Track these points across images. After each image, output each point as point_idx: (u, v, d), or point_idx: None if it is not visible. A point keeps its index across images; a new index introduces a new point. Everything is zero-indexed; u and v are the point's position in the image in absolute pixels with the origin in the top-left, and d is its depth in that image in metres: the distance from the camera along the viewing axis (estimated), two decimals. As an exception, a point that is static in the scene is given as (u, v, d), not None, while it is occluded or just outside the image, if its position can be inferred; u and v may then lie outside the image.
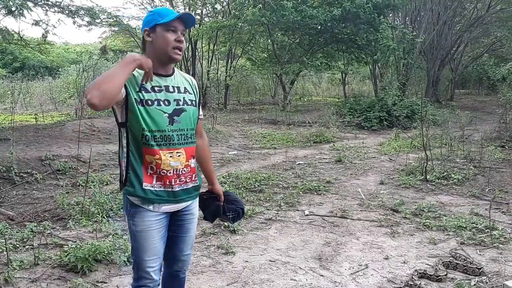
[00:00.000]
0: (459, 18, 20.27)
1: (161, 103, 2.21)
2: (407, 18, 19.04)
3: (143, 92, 2.18)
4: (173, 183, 2.24)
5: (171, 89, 2.27)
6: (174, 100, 2.25)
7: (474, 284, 3.43)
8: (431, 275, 3.54)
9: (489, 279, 3.51)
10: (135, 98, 2.15)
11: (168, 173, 2.22)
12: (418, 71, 20.98)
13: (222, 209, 2.58)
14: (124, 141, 2.23)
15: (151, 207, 2.23)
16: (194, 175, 2.36)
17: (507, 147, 9.12)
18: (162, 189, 2.23)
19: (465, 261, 3.77)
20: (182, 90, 2.32)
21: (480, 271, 3.60)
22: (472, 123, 12.58)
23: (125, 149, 2.23)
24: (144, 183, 2.20)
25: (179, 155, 2.25)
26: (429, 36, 17.74)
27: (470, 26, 19.49)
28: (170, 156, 2.22)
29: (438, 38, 18.88)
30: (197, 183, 2.39)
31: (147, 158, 2.20)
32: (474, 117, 13.23)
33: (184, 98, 2.30)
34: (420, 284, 3.41)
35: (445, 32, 19.08)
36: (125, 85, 2.10)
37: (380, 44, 15.14)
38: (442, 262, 3.78)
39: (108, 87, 1.95)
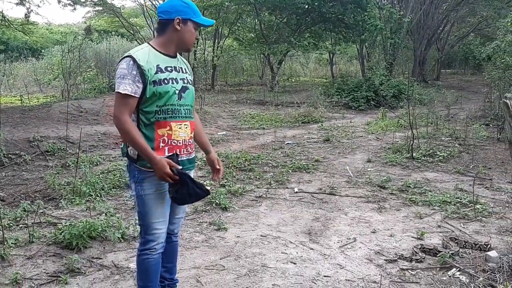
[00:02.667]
0: (446, -3, 20.32)
1: (173, 81, 2.46)
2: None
3: (159, 73, 2.41)
4: (181, 153, 2.49)
5: (178, 69, 2.54)
6: (181, 79, 2.52)
7: (458, 255, 3.56)
8: (430, 248, 3.64)
9: (472, 250, 3.66)
10: (153, 81, 2.38)
11: (178, 143, 2.48)
12: (405, 51, 21.07)
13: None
14: (134, 122, 2.42)
15: None
16: (193, 146, 2.62)
17: (491, 125, 9.31)
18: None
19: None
20: (184, 70, 2.58)
21: (488, 247, 3.67)
22: (458, 102, 12.77)
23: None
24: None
25: (186, 127, 2.52)
26: (416, 15, 17.77)
27: (456, 6, 19.56)
28: (179, 128, 2.48)
29: (424, 17, 18.93)
30: (194, 154, 2.65)
31: (159, 132, 2.42)
32: (459, 96, 13.42)
33: (187, 77, 2.57)
34: (423, 257, 3.53)
35: (432, 11, 19.12)
36: (142, 80, 2.35)
37: (367, 24, 15.16)
38: (450, 238, 3.83)
39: (126, 139, 2.39)
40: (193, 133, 2.60)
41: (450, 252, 3.56)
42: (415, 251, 3.63)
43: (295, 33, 17.99)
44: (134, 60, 2.34)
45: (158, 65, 2.41)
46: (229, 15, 18.16)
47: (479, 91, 15.00)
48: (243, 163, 6.46)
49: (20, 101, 11.44)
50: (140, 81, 2.34)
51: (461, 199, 4.87)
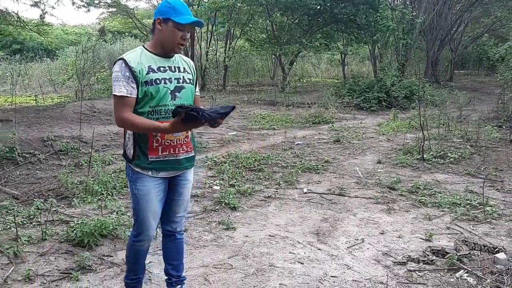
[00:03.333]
0: (459, -3, 20.15)
1: (166, 81, 2.52)
2: (407, -2, 18.91)
3: (151, 73, 2.47)
4: (177, 152, 2.58)
5: (173, 68, 2.58)
6: (175, 78, 2.56)
7: (466, 257, 3.55)
8: (438, 250, 3.64)
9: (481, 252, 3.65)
10: (145, 82, 2.44)
11: (172, 143, 2.54)
12: (418, 51, 20.92)
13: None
14: None
15: (149, 173, 2.55)
16: (192, 146, 2.68)
17: (504, 127, 9.21)
18: (169, 157, 2.56)
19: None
20: (181, 69, 2.62)
21: (495, 250, 3.62)
22: (470, 103, 12.65)
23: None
24: (149, 156, 2.52)
25: None
26: (429, 16, 17.64)
27: (470, 6, 19.38)
28: None
29: (438, 18, 18.78)
30: (194, 153, 2.72)
31: (152, 133, 2.48)
32: (472, 97, 13.28)
33: (183, 77, 2.61)
34: (433, 259, 3.53)
35: (445, 12, 18.96)
36: (135, 81, 2.43)
37: (379, 25, 15.09)
38: (462, 241, 3.81)
39: (138, 130, 2.47)
40: (190, 132, 2.63)
41: (461, 254, 3.55)
42: (426, 253, 3.63)
43: (307, 34, 17.98)
44: (126, 63, 2.43)
45: (150, 65, 2.48)
46: (241, 16, 18.21)
47: (492, 93, 14.81)
48: (252, 163, 6.50)
49: (35, 101, 11.63)
50: (134, 81, 2.42)
51: (471, 201, 4.85)
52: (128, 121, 2.42)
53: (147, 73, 2.45)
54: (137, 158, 2.53)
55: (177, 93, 2.54)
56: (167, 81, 2.50)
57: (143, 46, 2.58)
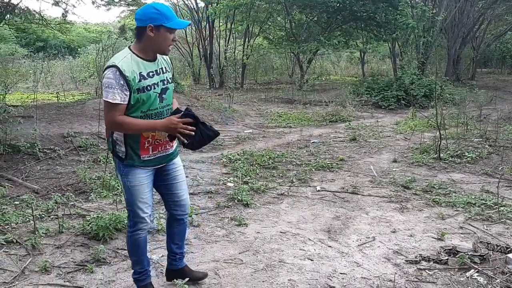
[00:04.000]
0: (482, -6, 19.75)
1: (155, 86, 2.65)
2: (428, -5, 18.62)
3: (142, 80, 2.58)
4: (167, 147, 2.79)
5: (159, 71, 2.70)
6: (161, 80, 2.69)
7: (479, 255, 3.52)
8: (450, 249, 3.62)
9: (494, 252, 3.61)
10: (137, 89, 2.55)
11: (160, 142, 2.72)
12: (439, 49, 20.59)
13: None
14: None
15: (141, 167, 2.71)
16: (173, 142, 2.85)
17: (525, 127, 9.03)
18: (159, 155, 2.75)
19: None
20: (164, 70, 2.74)
21: (508, 249, 3.60)
22: (492, 102, 12.43)
23: None
24: (142, 156, 2.69)
25: None
26: (450, 13, 17.36)
27: (493, 3, 18.97)
28: None
29: (459, 15, 18.46)
30: (172, 150, 2.89)
31: (144, 134, 2.64)
32: (494, 96, 13.05)
33: (166, 77, 2.74)
34: (447, 260, 3.50)
35: (467, 9, 18.62)
36: (128, 89, 2.52)
37: (399, 22, 14.92)
38: (480, 242, 3.75)
39: (132, 131, 2.60)
40: None
41: (477, 254, 3.51)
42: (439, 253, 3.60)
43: (326, 32, 17.89)
44: (120, 71, 2.49)
45: (141, 72, 2.57)
46: (260, 14, 18.23)
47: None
48: (267, 161, 6.54)
49: (56, 98, 11.87)
50: (127, 89, 2.52)
51: (486, 201, 4.80)
52: (124, 124, 2.54)
53: (139, 81, 2.55)
54: (130, 157, 2.66)
55: (163, 95, 2.70)
56: (156, 86, 2.63)
57: (130, 49, 2.62)
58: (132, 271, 2.97)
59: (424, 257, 3.56)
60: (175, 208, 2.97)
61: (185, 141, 2.61)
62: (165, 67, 2.75)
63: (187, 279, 3.01)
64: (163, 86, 2.69)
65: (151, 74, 2.63)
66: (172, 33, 2.61)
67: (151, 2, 2.75)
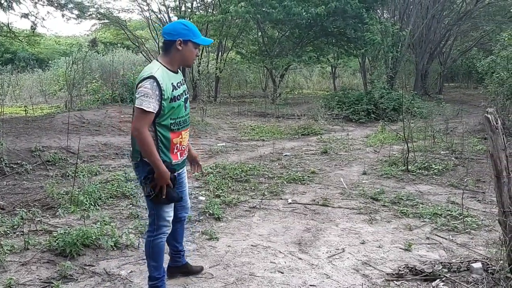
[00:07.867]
0: (448, 11, 20.44)
1: (182, 96, 2.91)
2: (396, 12, 19.19)
3: (174, 90, 2.82)
4: (186, 153, 3.09)
5: (182, 82, 2.96)
6: (183, 91, 2.95)
7: (444, 266, 3.61)
8: (411, 268, 3.65)
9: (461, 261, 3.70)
10: (171, 98, 2.78)
11: (183, 147, 3.01)
12: (408, 64, 21.17)
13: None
14: (152, 132, 2.78)
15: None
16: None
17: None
18: (182, 159, 3.04)
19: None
20: (183, 82, 2.99)
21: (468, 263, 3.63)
22: (458, 116, 12.82)
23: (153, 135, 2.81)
24: (173, 161, 2.92)
25: (188, 133, 3.06)
26: (417, 29, 17.92)
27: (458, 20, 19.71)
28: (186, 134, 3.02)
29: (427, 31, 19.08)
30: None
31: (174, 141, 2.89)
32: (460, 110, 13.47)
33: (186, 89, 3.01)
34: (422, 269, 3.52)
35: (434, 25, 19.28)
36: (161, 99, 2.73)
37: (367, 38, 15.33)
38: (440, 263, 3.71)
39: (144, 149, 2.74)
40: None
41: (436, 270, 3.56)
42: (400, 270, 3.62)
43: (297, 47, 18.17)
44: (157, 82, 2.67)
45: (172, 83, 2.81)
46: (232, 29, 18.38)
47: (480, 105, 15.03)
48: (239, 174, 6.55)
49: (24, 112, 11.62)
50: (161, 99, 2.71)
51: (451, 212, 4.93)
52: (144, 136, 2.68)
53: (172, 90, 2.79)
54: (163, 161, 2.81)
55: (186, 104, 2.97)
56: (182, 96, 2.89)
57: (159, 61, 2.85)
58: (148, 279, 3.05)
59: (411, 268, 3.55)
60: (181, 210, 3.22)
61: (153, 193, 2.82)
62: (183, 79, 2.99)
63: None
64: (185, 96, 2.96)
65: (178, 84, 2.87)
66: (197, 48, 2.88)
67: (179, 20, 3.01)
